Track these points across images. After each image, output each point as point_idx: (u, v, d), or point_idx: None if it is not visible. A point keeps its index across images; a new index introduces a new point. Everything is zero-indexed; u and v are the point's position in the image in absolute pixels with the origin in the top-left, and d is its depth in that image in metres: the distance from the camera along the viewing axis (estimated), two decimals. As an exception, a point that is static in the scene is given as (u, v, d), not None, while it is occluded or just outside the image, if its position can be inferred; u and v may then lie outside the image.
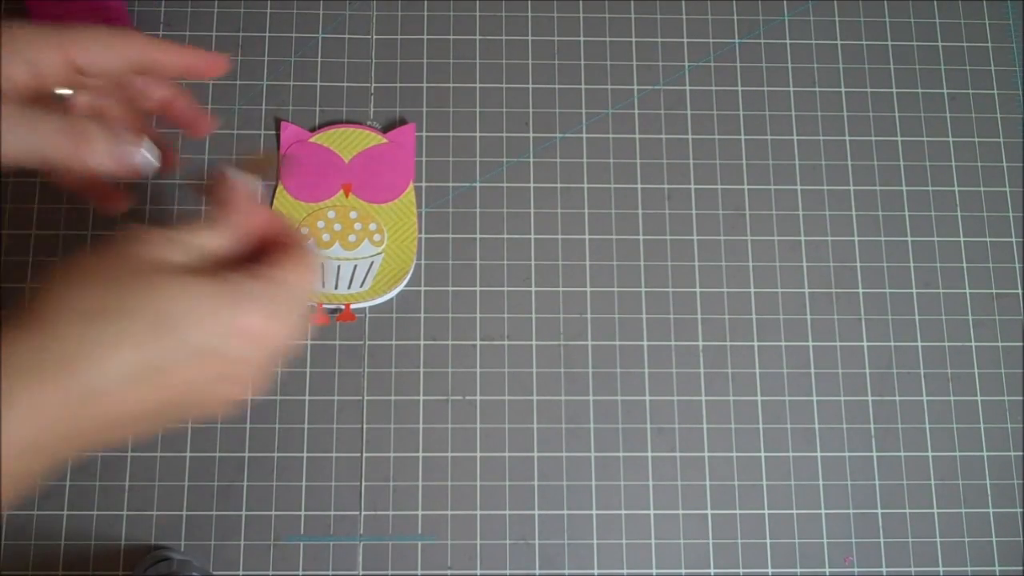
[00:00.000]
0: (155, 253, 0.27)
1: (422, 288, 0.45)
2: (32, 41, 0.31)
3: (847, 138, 0.48)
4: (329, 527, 0.43)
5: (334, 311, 0.45)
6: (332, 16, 0.48)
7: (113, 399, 0.26)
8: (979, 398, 0.45)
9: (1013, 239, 0.47)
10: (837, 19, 0.49)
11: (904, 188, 0.47)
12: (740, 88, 0.48)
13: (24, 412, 0.24)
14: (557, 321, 0.45)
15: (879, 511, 0.44)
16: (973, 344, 0.46)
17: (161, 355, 0.26)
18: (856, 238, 0.47)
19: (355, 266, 0.45)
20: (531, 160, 0.47)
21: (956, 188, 0.48)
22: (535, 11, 0.49)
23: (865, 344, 0.46)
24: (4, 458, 0.24)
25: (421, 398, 0.44)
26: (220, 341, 0.27)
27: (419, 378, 0.44)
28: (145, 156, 0.34)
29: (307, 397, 0.44)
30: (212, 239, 0.29)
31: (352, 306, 0.45)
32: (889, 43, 0.49)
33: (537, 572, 0.43)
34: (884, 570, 0.43)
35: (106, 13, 0.44)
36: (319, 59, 0.48)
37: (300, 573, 0.42)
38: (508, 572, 0.43)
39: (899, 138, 0.48)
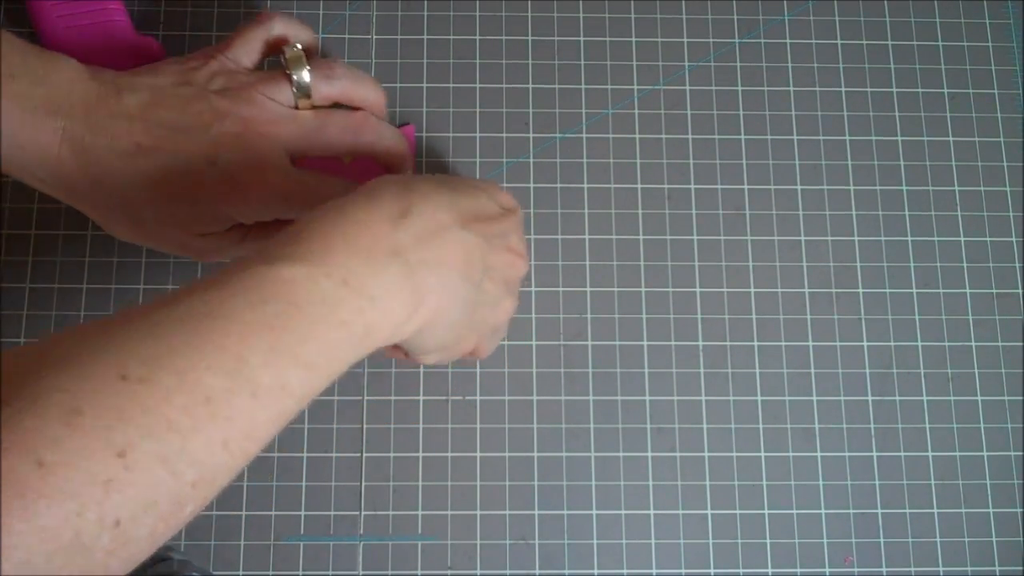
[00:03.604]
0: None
1: (422, 288, 0.45)
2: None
3: (847, 138, 0.48)
4: (329, 527, 0.43)
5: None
6: (332, 16, 0.48)
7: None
8: (979, 398, 0.45)
9: (1013, 239, 0.47)
10: (837, 19, 0.49)
11: (904, 188, 0.47)
12: (740, 88, 0.48)
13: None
14: (557, 321, 0.45)
15: (879, 511, 0.44)
16: (973, 344, 0.46)
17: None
18: (856, 238, 0.47)
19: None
20: (531, 160, 0.47)
21: (956, 188, 0.48)
22: (535, 11, 0.49)
23: (865, 344, 0.46)
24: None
25: (421, 398, 0.44)
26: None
27: (419, 378, 0.44)
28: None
29: (307, 397, 0.44)
30: None
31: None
32: (889, 43, 0.49)
33: (537, 572, 0.43)
34: (884, 570, 0.43)
35: (106, 14, 0.44)
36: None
37: (300, 573, 0.42)
38: (508, 572, 0.43)
39: (899, 138, 0.48)
